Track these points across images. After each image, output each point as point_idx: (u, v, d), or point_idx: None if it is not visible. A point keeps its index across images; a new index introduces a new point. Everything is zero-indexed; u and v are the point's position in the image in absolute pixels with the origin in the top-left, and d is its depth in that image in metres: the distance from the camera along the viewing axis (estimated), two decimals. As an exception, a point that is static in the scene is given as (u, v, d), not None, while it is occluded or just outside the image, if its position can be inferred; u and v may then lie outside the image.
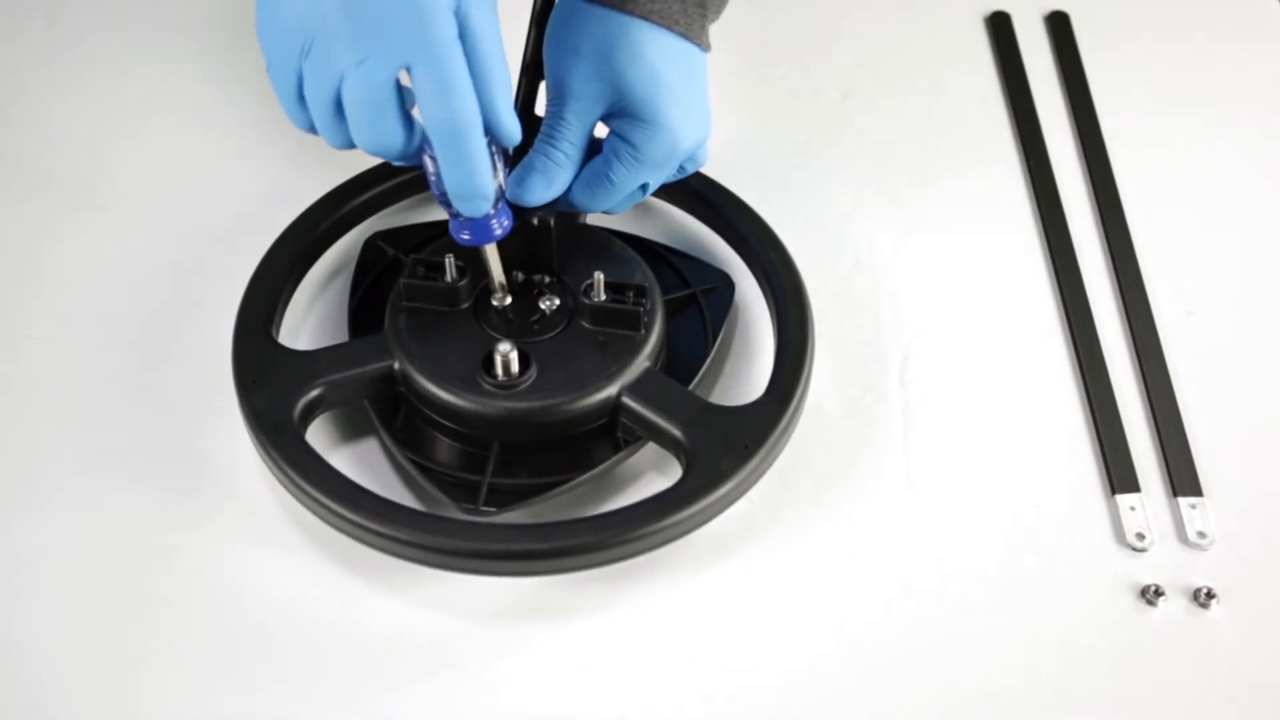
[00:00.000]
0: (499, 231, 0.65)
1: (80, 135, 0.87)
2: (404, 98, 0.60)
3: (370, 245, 0.77)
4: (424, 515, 0.65)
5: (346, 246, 0.78)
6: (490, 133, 0.61)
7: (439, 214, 0.78)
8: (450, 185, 0.61)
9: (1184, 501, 0.70)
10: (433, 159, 0.61)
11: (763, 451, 0.66)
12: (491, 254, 0.67)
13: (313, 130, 0.63)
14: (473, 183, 0.61)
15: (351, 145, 0.62)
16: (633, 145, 0.68)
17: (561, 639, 0.66)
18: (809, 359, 0.70)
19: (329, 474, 0.64)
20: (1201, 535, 0.69)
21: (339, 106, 0.60)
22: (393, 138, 0.60)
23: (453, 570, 0.64)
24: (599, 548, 0.63)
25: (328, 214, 0.76)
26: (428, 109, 0.59)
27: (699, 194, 0.77)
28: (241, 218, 0.81)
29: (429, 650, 0.65)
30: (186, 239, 0.81)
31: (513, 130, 0.62)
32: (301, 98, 0.61)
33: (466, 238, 0.65)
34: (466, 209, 0.62)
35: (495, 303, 0.70)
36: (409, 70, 0.59)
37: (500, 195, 0.64)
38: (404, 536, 0.63)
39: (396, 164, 0.63)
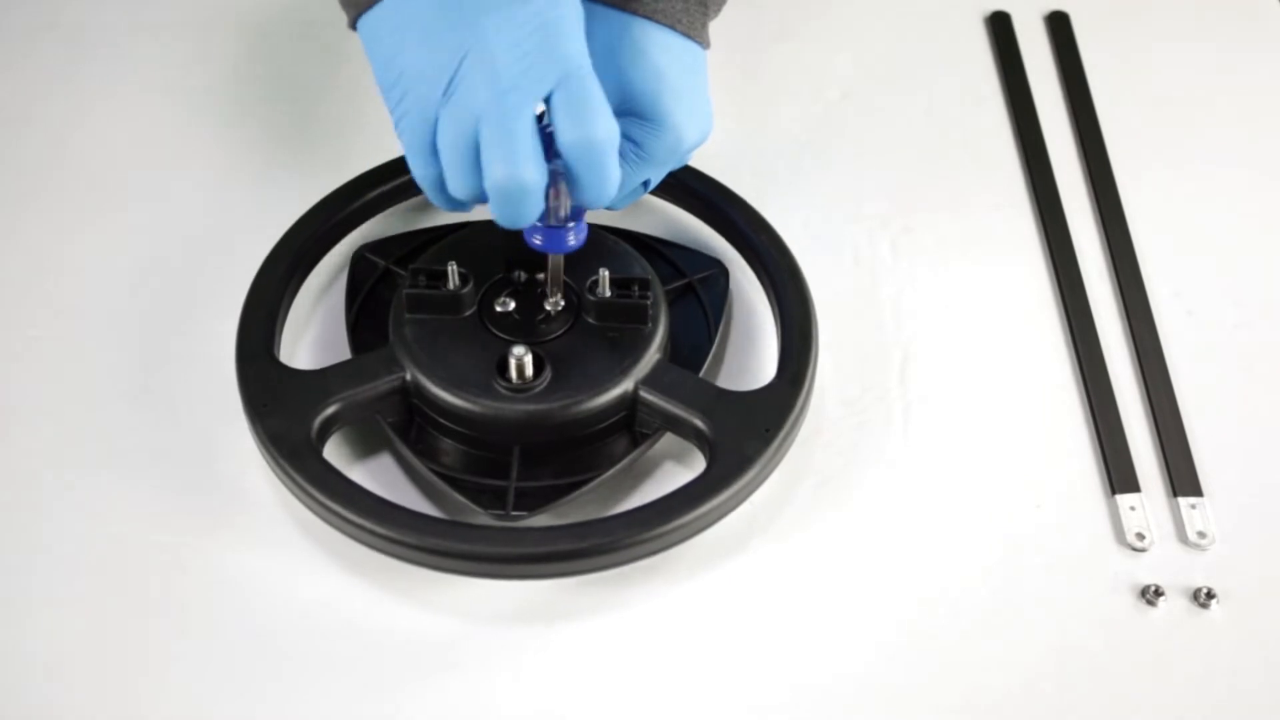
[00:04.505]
0: (573, 243, 0.66)
1: (81, 137, 0.86)
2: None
3: (359, 258, 0.77)
4: (469, 526, 0.65)
5: (329, 259, 0.78)
6: None
7: (423, 222, 0.79)
8: (590, 198, 0.62)
9: (1184, 501, 0.70)
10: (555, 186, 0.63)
11: (783, 432, 0.67)
12: (557, 263, 0.69)
13: (437, 186, 0.64)
14: (608, 192, 0.62)
15: (477, 197, 0.63)
16: (637, 143, 0.68)
17: (568, 641, 0.66)
18: (815, 337, 0.70)
19: (361, 494, 0.64)
20: (1201, 535, 0.69)
21: (476, 151, 0.61)
22: (532, 173, 0.60)
23: (501, 577, 0.64)
24: (638, 542, 0.63)
25: (314, 229, 0.75)
26: (570, 130, 0.60)
27: (687, 186, 0.78)
28: (241, 217, 0.81)
29: (436, 652, 0.65)
30: (187, 239, 0.80)
31: None
32: (433, 147, 0.62)
33: (539, 242, 0.66)
34: (594, 206, 0.64)
35: (499, 308, 0.70)
36: (548, 98, 0.60)
37: (581, 211, 0.65)
38: (452, 549, 0.63)
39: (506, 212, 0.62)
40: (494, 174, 0.60)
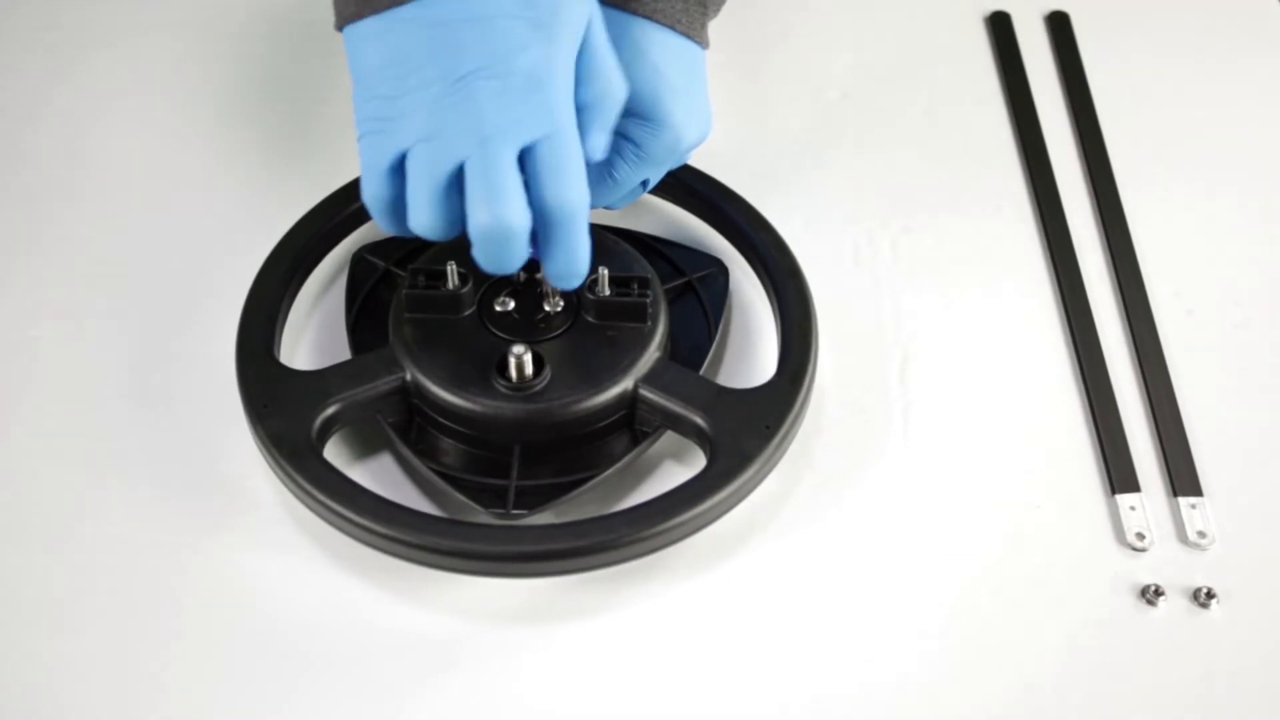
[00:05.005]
0: None
1: (82, 138, 0.86)
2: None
3: (359, 259, 0.77)
4: (470, 525, 0.65)
5: (329, 260, 0.78)
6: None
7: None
8: (551, 267, 0.62)
9: (1184, 501, 0.70)
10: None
11: (783, 430, 0.67)
12: None
13: (388, 208, 0.62)
14: (575, 265, 0.62)
15: (440, 235, 0.62)
16: (636, 143, 0.68)
17: (568, 641, 0.66)
18: (815, 335, 0.70)
19: (361, 494, 0.64)
20: (1201, 535, 0.69)
21: (448, 190, 0.60)
22: (518, 215, 0.59)
23: (502, 575, 0.64)
24: (640, 539, 0.63)
25: (314, 231, 0.75)
26: (546, 189, 0.59)
27: (687, 185, 0.78)
28: (241, 217, 0.81)
29: (436, 652, 0.65)
30: (187, 239, 0.81)
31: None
32: (393, 171, 0.61)
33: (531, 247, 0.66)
34: (563, 285, 0.63)
35: (498, 307, 0.70)
36: (531, 149, 0.59)
37: None
38: (453, 547, 0.63)
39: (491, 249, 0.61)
40: (478, 218, 0.59)
